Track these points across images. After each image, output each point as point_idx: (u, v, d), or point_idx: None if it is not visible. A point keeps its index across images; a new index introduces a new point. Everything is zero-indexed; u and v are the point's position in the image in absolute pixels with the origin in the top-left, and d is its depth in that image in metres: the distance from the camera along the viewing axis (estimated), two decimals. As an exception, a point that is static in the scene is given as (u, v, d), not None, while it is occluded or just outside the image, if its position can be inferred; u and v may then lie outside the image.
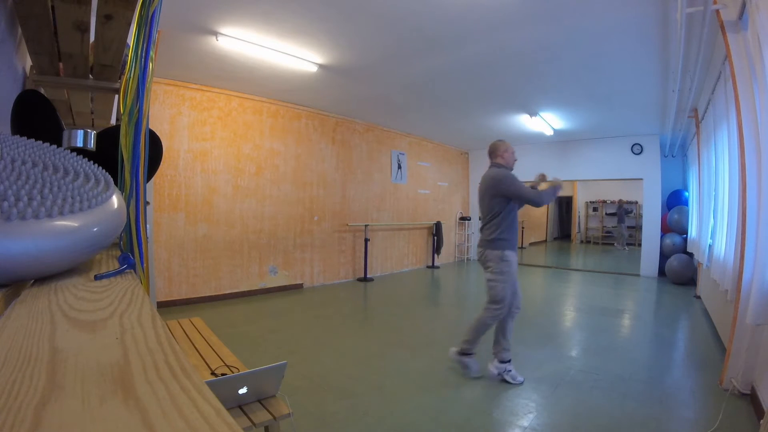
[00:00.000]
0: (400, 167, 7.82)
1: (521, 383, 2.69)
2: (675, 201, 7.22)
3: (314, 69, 4.27)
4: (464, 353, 2.81)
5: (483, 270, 2.94)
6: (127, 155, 0.88)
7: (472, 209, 9.86)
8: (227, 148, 5.15)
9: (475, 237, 9.78)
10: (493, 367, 2.79)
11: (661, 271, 7.05)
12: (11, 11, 1.13)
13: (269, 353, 3.24)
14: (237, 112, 5.24)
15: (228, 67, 4.28)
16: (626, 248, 12.94)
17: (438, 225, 8.39)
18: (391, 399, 2.47)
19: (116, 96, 1.55)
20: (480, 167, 9.70)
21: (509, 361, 2.76)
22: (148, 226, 1.20)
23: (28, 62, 1.38)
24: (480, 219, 3.05)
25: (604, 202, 14.59)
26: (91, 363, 0.32)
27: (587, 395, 2.52)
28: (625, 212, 13.59)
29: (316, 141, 6.20)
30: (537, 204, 2.81)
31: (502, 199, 2.89)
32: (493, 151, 3.01)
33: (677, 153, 7.47)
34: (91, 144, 1.08)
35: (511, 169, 2.95)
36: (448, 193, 9.26)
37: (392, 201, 7.66)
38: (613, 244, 14.17)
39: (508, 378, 2.71)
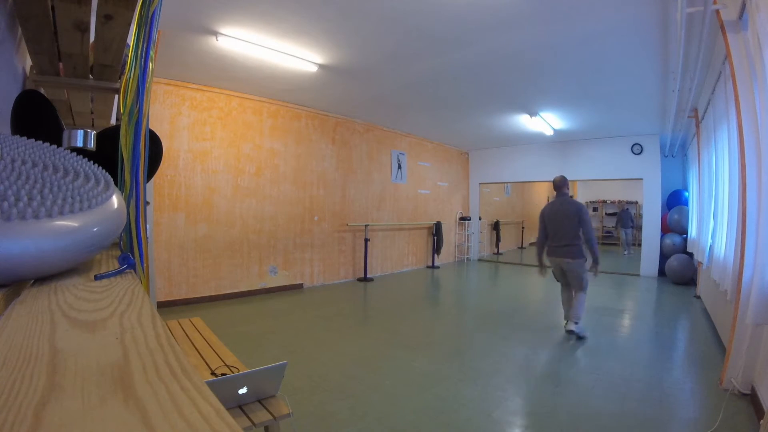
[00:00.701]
0: (400, 167, 7.82)
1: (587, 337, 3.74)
2: (675, 201, 7.22)
3: (314, 69, 4.27)
4: (578, 322, 3.70)
5: (565, 267, 3.82)
6: (127, 155, 0.88)
7: (471, 209, 9.86)
8: (227, 148, 5.15)
9: (475, 237, 9.79)
10: (575, 327, 3.67)
11: (661, 271, 7.05)
12: (11, 11, 1.13)
13: (269, 353, 3.24)
14: (237, 112, 5.24)
15: (228, 67, 4.29)
16: (628, 252, 11.77)
17: (438, 225, 8.40)
18: (391, 399, 2.47)
19: (116, 96, 1.55)
20: (480, 167, 9.71)
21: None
22: (148, 226, 1.20)
23: (28, 62, 1.38)
24: (554, 233, 3.84)
25: (604, 202, 14.60)
26: (91, 363, 0.32)
27: (587, 395, 2.52)
28: (629, 216, 12.13)
29: (316, 141, 6.20)
30: (590, 241, 3.68)
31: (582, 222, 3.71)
32: (563, 185, 3.85)
33: (677, 153, 7.47)
34: (91, 144, 1.08)
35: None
36: (448, 193, 9.26)
37: (392, 201, 7.66)
38: (615, 244, 14.16)
39: (581, 333, 3.68)
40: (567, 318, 3.90)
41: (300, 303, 5.13)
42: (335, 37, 3.58)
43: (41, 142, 0.73)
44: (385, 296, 5.72)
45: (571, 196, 3.89)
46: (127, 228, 0.83)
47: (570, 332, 3.71)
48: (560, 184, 3.83)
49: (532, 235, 14.42)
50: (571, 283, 3.84)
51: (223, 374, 1.69)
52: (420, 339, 3.68)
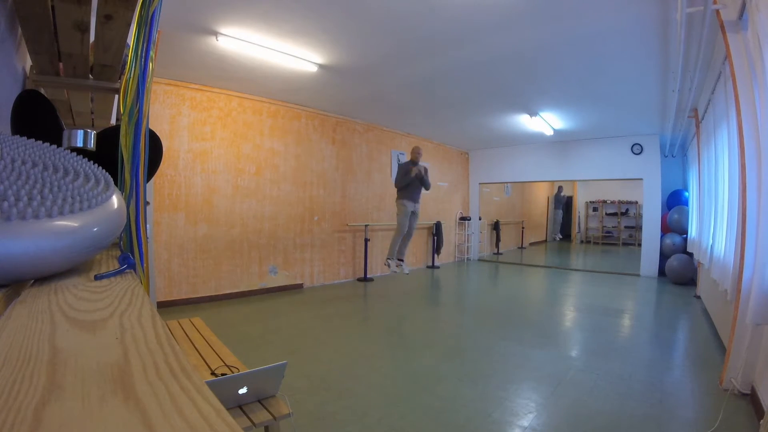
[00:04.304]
0: (400, 167, 7.81)
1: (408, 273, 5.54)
2: (675, 201, 7.22)
3: (314, 69, 4.27)
4: (400, 260, 5.33)
5: (416, 210, 5.29)
6: (127, 155, 0.88)
7: (471, 209, 9.86)
8: (227, 148, 5.15)
9: (475, 237, 9.79)
10: (401, 266, 5.31)
11: (661, 271, 7.05)
12: (11, 11, 1.13)
13: (269, 353, 3.24)
14: (237, 112, 5.24)
15: (228, 67, 4.29)
16: (558, 237, 12.42)
17: (438, 225, 8.39)
18: (391, 399, 2.47)
19: (116, 96, 1.55)
20: (480, 167, 9.71)
21: (403, 260, 5.37)
22: (148, 226, 1.20)
23: (28, 62, 1.38)
24: (414, 187, 5.24)
25: (604, 202, 14.59)
26: (91, 363, 0.32)
27: (587, 395, 2.52)
28: (563, 200, 12.85)
29: (316, 141, 6.20)
30: (427, 186, 5.27)
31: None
32: (419, 155, 5.24)
33: (677, 153, 7.47)
34: (91, 144, 1.08)
35: (412, 162, 5.20)
36: (448, 193, 9.26)
37: (392, 201, 7.64)
38: (614, 243, 14.16)
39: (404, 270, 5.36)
40: (394, 257, 5.26)
41: (300, 303, 5.13)
42: (335, 37, 3.58)
43: (41, 142, 0.73)
44: (385, 296, 5.72)
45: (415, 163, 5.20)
46: (127, 228, 0.83)
47: (399, 272, 5.31)
48: (418, 155, 5.26)
49: (533, 235, 14.43)
50: (412, 226, 5.27)
51: (223, 374, 1.69)
52: (420, 339, 3.68)
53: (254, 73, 4.48)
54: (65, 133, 1.06)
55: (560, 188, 13.22)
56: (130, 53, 0.93)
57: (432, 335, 3.84)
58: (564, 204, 12.98)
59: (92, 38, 1.13)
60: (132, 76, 0.90)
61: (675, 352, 3.52)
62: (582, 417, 2.25)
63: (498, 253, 11.01)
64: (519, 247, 12.79)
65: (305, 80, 4.69)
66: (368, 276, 6.79)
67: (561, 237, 12.32)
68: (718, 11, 2.49)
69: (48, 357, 0.33)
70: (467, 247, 9.66)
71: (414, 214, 5.25)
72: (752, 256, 2.27)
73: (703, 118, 4.68)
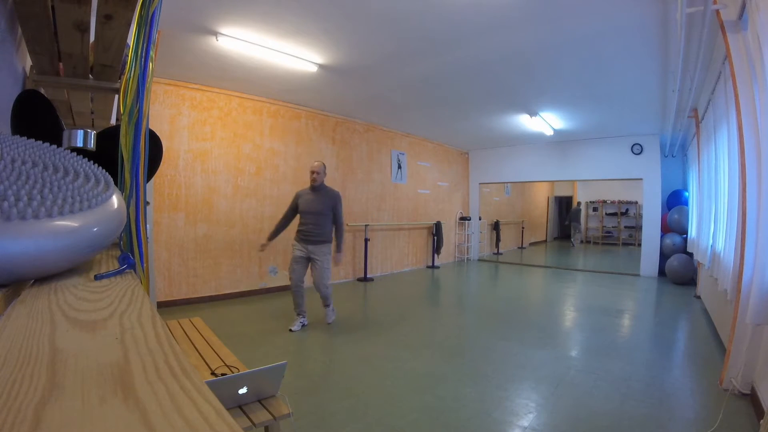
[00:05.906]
0: (400, 167, 7.82)
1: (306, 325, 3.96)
2: (675, 201, 7.22)
3: (314, 69, 4.27)
4: (299, 314, 4.01)
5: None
6: (127, 155, 0.88)
7: (471, 209, 9.86)
8: (227, 148, 5.14)
9: (475, 237, 9.78)
10: (299, 326, 3.91)
11: (661, 271, 7.05)
12: (11, 11, 1.13)
13: (269, 353, 3.24)
14: (237, 112, 5.24)
15: (228, 67, 4.29)
16: (574, 245, 14.01)
17: (438, 225, 8.40)
18: (391, 399, 2.47)
19: (116, 96, 1.55)
20: (480, 167, 9.71)
21: (303, 315, 4.02)
22: (148, 226, 1.20)
23: (28, 62, 1.38)
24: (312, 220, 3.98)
25: (604, 202, 14.60)
26: (91, 363, 0.32)
27: (587, 395, 2.52)
28: (575, 211, 14.50)
29: (316, 141, 6.20)
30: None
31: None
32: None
33: (677, 153, 7.47)
34: (91, 144, 1.08)
35: (311, 188, 4.21)
36: (448, 193, 9.26)
37: (392, 201, 7.65)
38: (615, 244, 14.19)
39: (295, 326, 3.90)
40: (296, 310, 3.98)
41: (300, 303, 5.12)
42: (335, 37, 3.58)
43: (41, 142, 0.73)
44: (385, 296, 5.71)
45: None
46: (127, 228, 0.83)
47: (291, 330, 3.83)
48: (316, 174, 4.21)
49: (533, 235, 14.44)
50: (299, 277, 3.94)
51: (223, 374, 1.70)
52: (420, 339, 3.68)
53: (254, 73, 4.48)
54: (65, 133, 1.06)
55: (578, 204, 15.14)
56: (130, 53, 0.93)
57: (432, 335, 3.84)
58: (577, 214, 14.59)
59: (92, 38, 1.13)
60: (132, 76, 0.90)
61: (675, 352, 3.52)
62: (582, 417, 2.25)
63: (498, 253, 11.02)
64: (519, 247, 12.79)
65: (305, 80, 4.69)
66: (368, 276, 6.79)
67: (573, 245, 14.17)
68: (718, 11, 2.49)
69: (48, 357, 0.33)
70: (467, 247, 9.66)
71: (306, 260, 3.91)
72: (752, 256, 2.27)
73: (703, 118, 4.68)
